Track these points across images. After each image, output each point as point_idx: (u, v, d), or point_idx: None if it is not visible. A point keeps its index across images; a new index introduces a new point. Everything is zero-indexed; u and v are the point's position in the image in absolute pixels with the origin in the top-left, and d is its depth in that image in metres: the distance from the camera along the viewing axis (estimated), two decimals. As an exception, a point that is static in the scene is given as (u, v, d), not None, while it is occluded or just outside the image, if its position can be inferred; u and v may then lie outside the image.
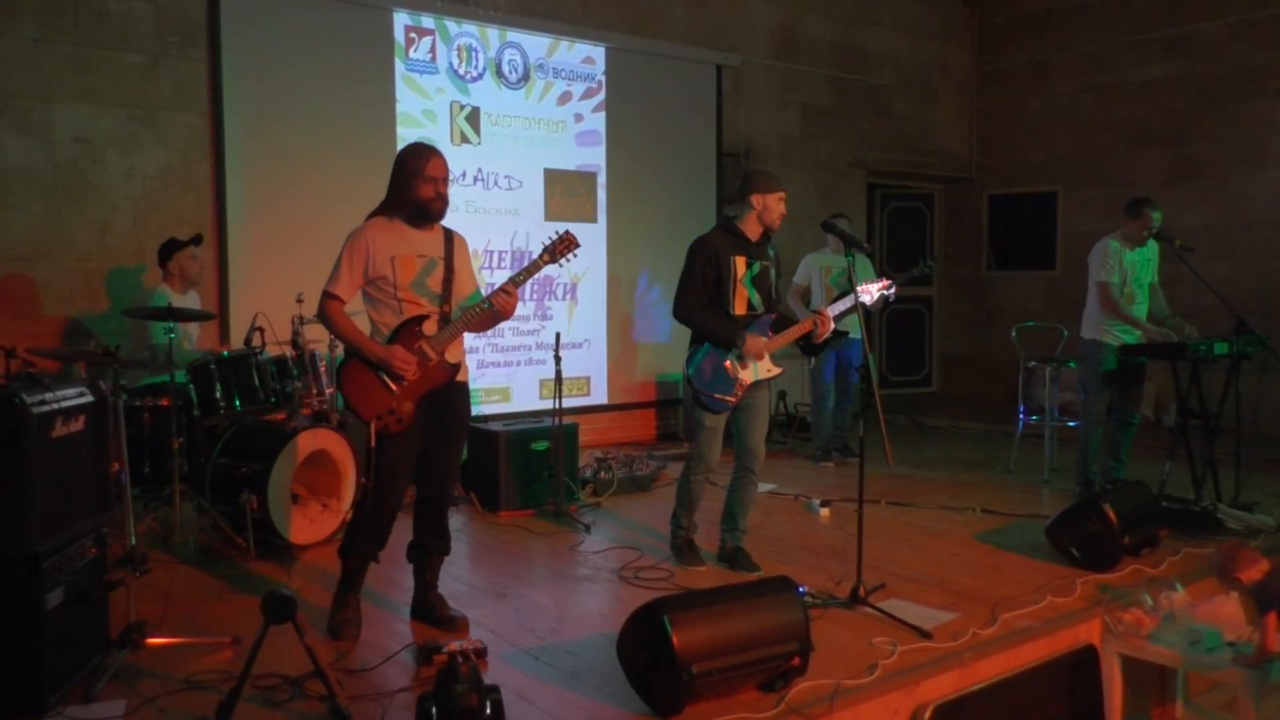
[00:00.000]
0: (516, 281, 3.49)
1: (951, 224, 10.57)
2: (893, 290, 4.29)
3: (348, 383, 3.41)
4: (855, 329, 6.47)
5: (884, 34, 9.52)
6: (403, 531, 3.67)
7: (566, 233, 3.60)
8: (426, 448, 3.53)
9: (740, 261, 4.15)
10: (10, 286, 5.42)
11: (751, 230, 4.20)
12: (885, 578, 4.02)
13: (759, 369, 4.19)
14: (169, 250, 5.09)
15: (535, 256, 3.57)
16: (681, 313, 4.19)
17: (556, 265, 3.62)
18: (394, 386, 3.40)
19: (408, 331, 3.43)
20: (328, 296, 3.46)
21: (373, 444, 3.40)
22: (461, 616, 3.58)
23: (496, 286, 3.48)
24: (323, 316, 3.50)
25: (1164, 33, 8.75)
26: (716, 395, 4.14)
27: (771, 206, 4.15)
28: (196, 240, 5.17)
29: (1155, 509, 4.62)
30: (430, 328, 3.46)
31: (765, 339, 4.17)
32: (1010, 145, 10.01)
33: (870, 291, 4.27)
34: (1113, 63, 9.12)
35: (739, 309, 4.17)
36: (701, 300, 4.15)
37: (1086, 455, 5.56)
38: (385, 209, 3.52)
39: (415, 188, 3.44)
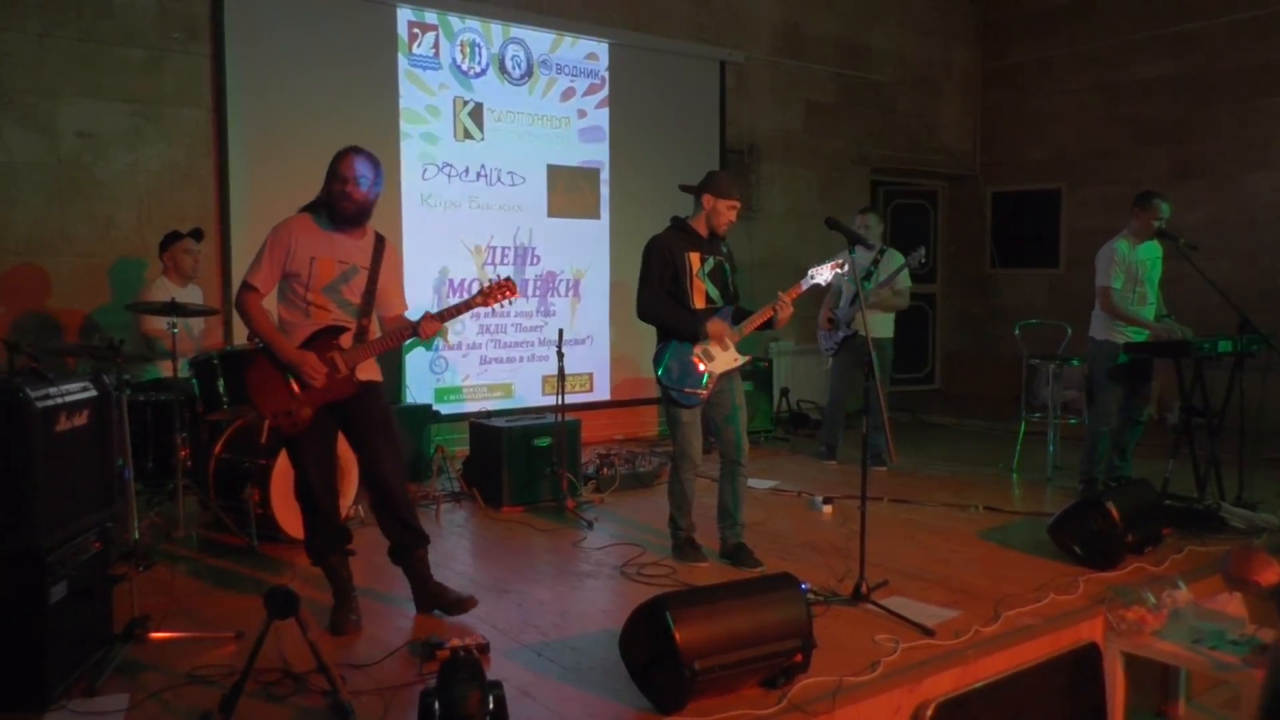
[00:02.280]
0: (444, 316, 3.56)
1: (955, 221, 10.56)
2: (846, 268, 4.28)
3: (252, 376, 3.44)
4: (881, 327, 6.42)
5: (888, 31, 9.50)
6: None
7: (508, 279, 3.68)
8: (359, 455, 3.58)
9: (694, 257, 4.25)
10: (14, 281, 5.42)
11: (702, 228, 4.30)
12: (888, 575, 4.02)
13: (725, 360, 4.25)
14: (166, 242, 5.11)
15: (472, 295, 3.66)
16: (643, 311, 4.27)
17: (488, 308, 3.67)
18: (297, 390, 3.42)
19: (324, 340, 3.45)
20: (246, 287, 3.45)
21: (263, 440, 3.42)
22: (468, 596, 3.61)
23: (425, 313, 3.58)
24: (239, 307, 3.50)
25: (1168, 30, 8.73)
26: (687, 390, 4.22)
27: (721, 211, 4.24)
28: (196, 235, 5.18)
29: (1158, 507, 4.60)
30: (347, 341, 3.48)
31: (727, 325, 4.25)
32: (1014, 142, 9.99)
33: (823, 272, 4.27)
34: (1117, 60, 9.10)
35: (698, 303, 4.26)
36: (660, 296, 4.23)
37: (1093, 454, 5.56)
38: (312, 207, 3.52)
39: (328, 185, 3.45)
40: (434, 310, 3.65)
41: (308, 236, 3.44)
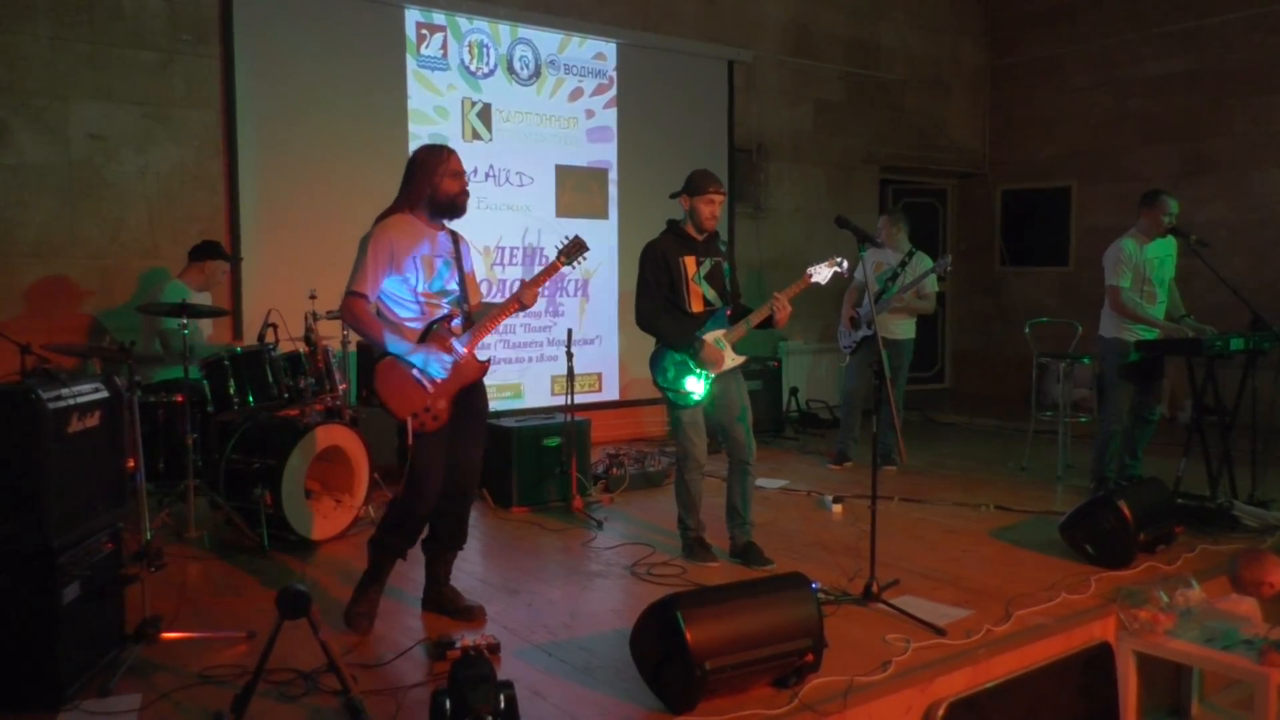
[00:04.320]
0: (538, 280, 3.59)
1: (964, 219, 10.52)
2: (844, 265, 4.28)
3: (383, 381, 3.40)
4: (903, 329, 6.40)
5: (896, 29, 9.48)
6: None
7: (576, 236, 3.70)
8: (455, 444, 3.55)
9: (690, 261, 4.26)
10: (25, 283, 5.45)
11: (694, 230, 4.32)
12: (898, 574, 4.02)
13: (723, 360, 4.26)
14: (209, 251, 5.12)
15: (551, 260, 3.67)
16: (641, 320, 4.31)
17: (570, 266, 3.72)
18: (429, 384, 3.42)
19: (439, 330, 3.46)
20: (355, 295, 3.40)
21: (410, 441, 3.40)
22: (478, 606, 3.63)
23: (519, 284, 3.57)
24: (350, 316, 3.43)
25: (1179, 26, 8.69)
26: (684, 390, 4.22)
27: (699, 208, 4.27)
28: (235, 260, 5.24)
29: (1170, 506, 4.59)
30: (458, 327, 3.50)
31: (724, 332, 4.26)
32: (1024, 140, 9.95)
33: (821, 271, 4.26)
34: (1127, 56, 9.05)
35: (695, 306, 4.28)
36: (658, 304, 4.25)
37: (1104, 453, 5.54)
38: (405, 206, 3.51)
39: (443, 183, 3.46)
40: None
41: (408, 237, 3.44)
